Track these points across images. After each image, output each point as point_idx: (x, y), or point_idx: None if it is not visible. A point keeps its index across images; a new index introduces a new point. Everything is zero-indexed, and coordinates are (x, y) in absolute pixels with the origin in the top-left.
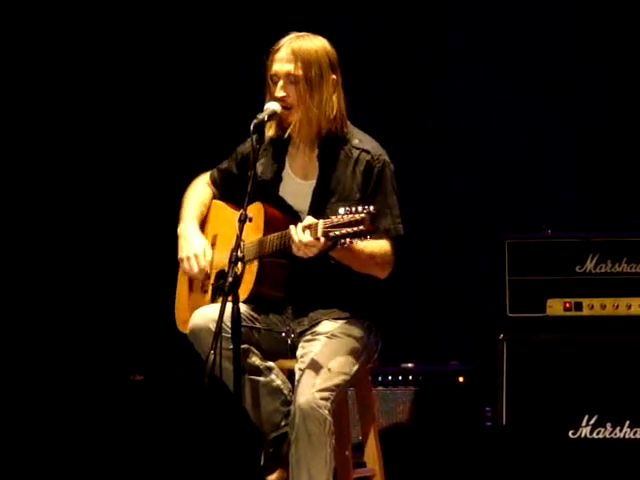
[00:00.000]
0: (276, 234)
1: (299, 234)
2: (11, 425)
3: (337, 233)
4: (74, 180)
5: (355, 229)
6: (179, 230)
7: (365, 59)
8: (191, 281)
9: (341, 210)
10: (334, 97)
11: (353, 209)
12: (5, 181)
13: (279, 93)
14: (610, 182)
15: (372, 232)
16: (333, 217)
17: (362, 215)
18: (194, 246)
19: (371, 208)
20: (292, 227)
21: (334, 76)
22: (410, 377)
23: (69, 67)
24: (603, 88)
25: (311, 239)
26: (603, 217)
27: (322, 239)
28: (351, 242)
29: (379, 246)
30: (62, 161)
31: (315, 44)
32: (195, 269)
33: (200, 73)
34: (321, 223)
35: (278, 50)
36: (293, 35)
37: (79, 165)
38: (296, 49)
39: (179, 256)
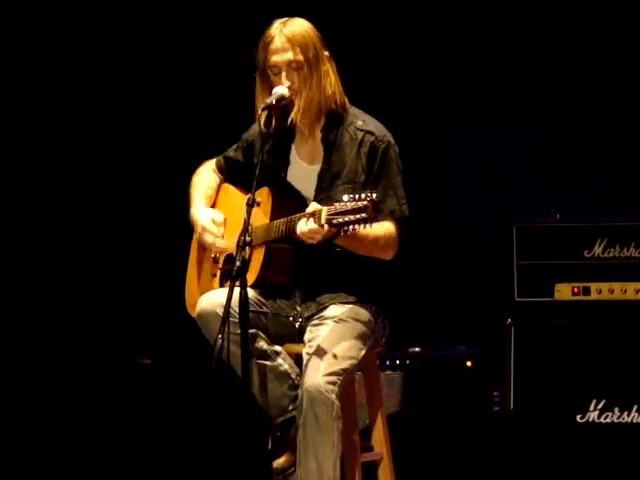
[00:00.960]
0: (282, 220)
1: (302, 223)
2: (19, 409)
3: (340, 220)
4: (84, 166)
5: (358, 216)
6: (190, 216)
7: (368, 55)
8: (200, 265)
9: (345, 197)
10: (330, 72)
11: (356, 196)
12: (10, 168)
13: (285, 83)
14: (618, 167)
15: (374, 219)
16: (337, 204)
17: (365, 202)
18: (202, 221)
19: (374, 195)
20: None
21: (326, 52)
22: (417, 362)
23: (78, 59)
24: (605, 80)
25: (315, 226)
26: (611, 202)
27: (326, 226)
28: (354, 229)
29: (384, 229)
30: (71, 150)
31: (303, 26)
32: (210, 240)
33: (204, 62)
34: (325, 210)
35: (272, 41)
36: (278, 23)
37: (89, 151)
38: (290, 36)
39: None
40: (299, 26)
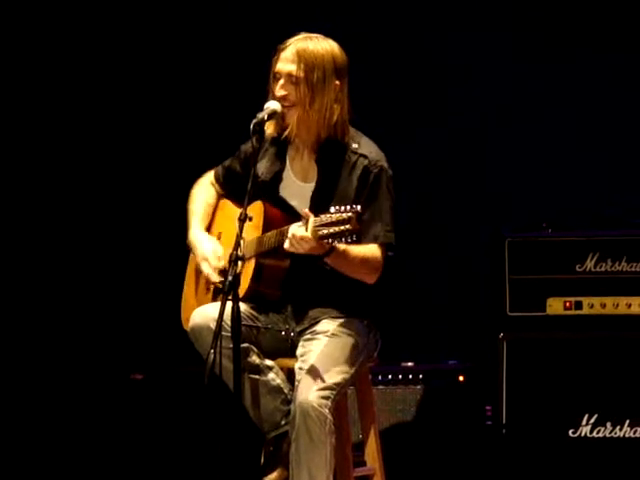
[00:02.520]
0: (273, 231)
1: (294, 227)
2: (11, 424)
3: (325, 232)
4: (80, 178)
5: (342, 228)
6: (188, 241)
7: (372, 57)
8: (197, 280)
9: (332, 209)
10: (335, 103)
11: (342, 208)
12: (16, 175)
13: (279, 92)
14: (610, 181)
15: (357, 231)
16: (322, 216)
17: (349, 214)
18: (202, 251)
19: (358, 207)
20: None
21: (338, 82)
22: (410, 376)
23: (83, 68)
24: (605, 83)
25: (306, 234)
26: (603, 216)
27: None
28: (340, 241)
29: (371, 252)
30: (71, 160)
31: (322, 47)
32: (207, 272)
33: (204, 71)
34: (311, 222)
35: (284, 49)
36: (302, 36)
37: (87, 162)
38: (301, 50)
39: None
40: (318, 45)
